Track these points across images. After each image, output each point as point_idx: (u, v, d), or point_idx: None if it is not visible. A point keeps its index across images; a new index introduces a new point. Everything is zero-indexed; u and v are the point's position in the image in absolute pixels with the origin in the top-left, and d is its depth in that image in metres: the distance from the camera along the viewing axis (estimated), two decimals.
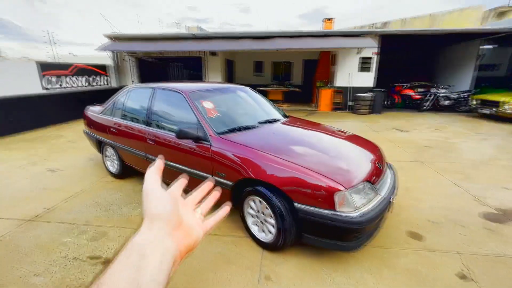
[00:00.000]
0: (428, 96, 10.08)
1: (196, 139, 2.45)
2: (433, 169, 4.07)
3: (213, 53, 10.47)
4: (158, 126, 2.93)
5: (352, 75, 9.86)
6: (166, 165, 2.08)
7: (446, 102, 9.96)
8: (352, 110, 9.80)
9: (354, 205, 1.85)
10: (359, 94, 9.34)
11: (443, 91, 9.96)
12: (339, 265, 2.08)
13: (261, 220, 2.23)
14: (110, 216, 2.84)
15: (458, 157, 4.68)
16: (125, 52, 10.41)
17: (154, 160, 1.97)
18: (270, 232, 2.16)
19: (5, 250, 2.29)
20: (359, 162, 2.26)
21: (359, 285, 1.89)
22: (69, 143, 5.69)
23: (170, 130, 2.77)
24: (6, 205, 3.06)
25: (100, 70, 9.72)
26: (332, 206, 1.83)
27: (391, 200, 2.13)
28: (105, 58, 10.95)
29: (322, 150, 2.34)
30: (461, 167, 4.13)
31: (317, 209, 1.86)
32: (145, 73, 11.60)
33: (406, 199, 3.13)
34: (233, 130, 2.54)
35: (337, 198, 1.82)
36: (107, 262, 2.10)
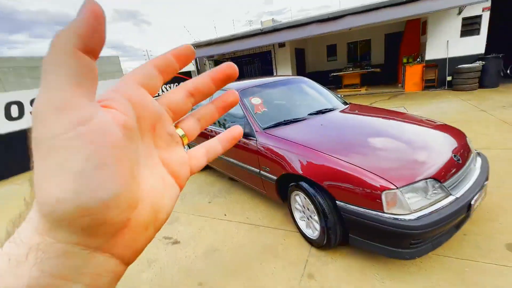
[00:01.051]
0: None
1: (244, 135, 2.57)
2: None
3: (282, 45, 10.43)
4: (216, 124, 3.21)
5: (450, 43, 7.94)
6: (220, 158, 2.27)
7: None
8: (452, 86, 7.94)
9: (409, 207, 1.56)
10: (461, 66, 7.44)
11: None
12: (397, 273, 1.80)
13: (307, 216, 2.16)
14: (184, 204, 3.33)
15: None
16: (204, 57, 11.64)
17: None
18: (316, 229, 2.07)
19: None
20: (422, 154, 1.86)
21: None
22: None
23: (223, 126, 2.99)
24: None
25: (186, 76, 11.22)
26: (379, 207, 1.59)
27: (472, 203, 1.68)
28: (190, 64, 12.57)
29: (373, 140, 2.04)
30: None
31: (361, 209, 1.66)
32: None
33: (508, 200, 2.38)
34: (278, 124, 2.52)
35: (385, 197, 1.57)
36: (176, 242, 2.50)
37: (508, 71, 8.60)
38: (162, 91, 9.82)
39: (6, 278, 0.16)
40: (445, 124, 2.38)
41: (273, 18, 15.20)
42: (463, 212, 1.65)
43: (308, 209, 2.11)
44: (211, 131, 3.34)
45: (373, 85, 10.94)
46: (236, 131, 0.31)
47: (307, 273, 1.93)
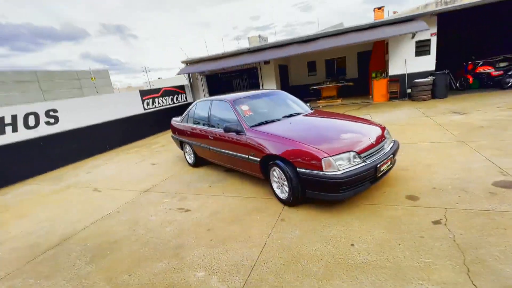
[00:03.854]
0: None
1: (237, 132, 3.58)
2: (471, 148, 4.10)
3: (267, 62, 11.70)
4: (214, 126, 4.22)
5: (408, 61, 9.43)
6: (218, 152, 3.63)
7: None
8: (411, 97, 9.36)
9: (337, 167, 2.60)
10: (417, 80, 8.89)
11: None
12: (336, 214, 2.82)
13: (281, 184, 3.17)
14: (189, 188, 4.25)
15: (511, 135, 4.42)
16: (196, 72, 12.72)
17: (214, 150, 4.06)
18: (286, 192, 3.08)
19: (135, 205, 3.92)
20: (350, 138, 2.94)
21: (346, 226, 2.61)
22: (162, 147, 7.77)
23: (220, 127, 4.00)
24: (131, 184, 4.88)
25: (179, 89, 12.23)
26: (320, 168, 2.63)
27: (377, 166, 2.75)
28: (183, 79, 13.61)
29: (321, 131, 3.12)
30: (505, 145, 4.01)
31: (311, 171, 2.70)
32: (213, 87, 13.77)
33: (423, 173, 3.50)
34: (261, 124, 3.56)
35: (323, 162, 2.62)
36: (188, 210, 3.42)
37: (458, 85, 10.17)
38: (159, 103, 10.75)
39: None
40: (373, 122, 3.49)
41: (259, 35, 16.61)
42: (371, 171, 2.71)
43: (281, 179, 3.11)
44: (206, 131, 4.34)
45: (348, 96, 12.35)
46: None
47: (280, 218, 2.92)
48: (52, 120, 7.00)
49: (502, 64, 9.19)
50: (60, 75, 24.24)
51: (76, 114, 7.61)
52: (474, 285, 1.73)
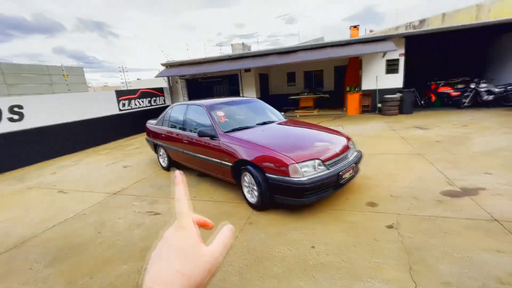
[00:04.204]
0: (468, 92, 9.63)
1: (211, 137, 3.66)
2: (427, 160, 4.49)
3: (247, 70, 11.92)
4: (189, 130, 4.25)
5: (379, 78, 10.10)
6: (192, 156, 3.70)
7: (490, 97, 9.34)
8: (381, 112, 9.99)
9: (303, 174, 2.77)
10: (386, 96, 9.54)
11: (484, 85, 9.40)
12: (301, 219, 2.97)
13: (251, 189, 3.27)
14: (160, 192, 4.22)
15: (462, 150, 4.90)
16: (176, 76, 12.63)
17: (188, 154, 4.09)
18: (255, 196, 3.19)
19: (102, 207, 3.81)
20: (316, 146, 3.14)
21: (310, 230, 2.76)
22: (136, 149, 7.59)
23: (195, 132, 4.06)
24: (100, 186, 4.73)
25: (158, 92, 12.04)
26: (287, 174, 2.78)
27: (340, 173, 2.96)
28: (163, 81, 13.42)
29: (291, 139, 3.30)
30: (455, 158, 4.45)
31: (279, 177, 2.84)
32: (193, 91, 13.71)
33: (384, 181, 3.78)
34: (235, 130, 3.67)
35: (290, 168, 2.77)
36: (157, 214, 3.41)
37: (422, 102, 11.03)
38: (135, 104, 10.51)
39: None
40: (340, 133, 3.74)
41: (243, 42, 16.74)
42: (334, 178, 2.90)
43: (251, 183, 3.22)
44: (181, 135, 4.37)
45: (324, 108, 12.88)
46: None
47: (249, 222, 3.01)
48: (16, 117, 6.59)
49: (459, 86, 10.16)
50: (28, 68, 22.79)
51: (44, 112, 7.23)
52: (413, 281, 1.94)
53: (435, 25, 14.61)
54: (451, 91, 10.10)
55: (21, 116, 6.70)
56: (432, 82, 10.74)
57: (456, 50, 12.11)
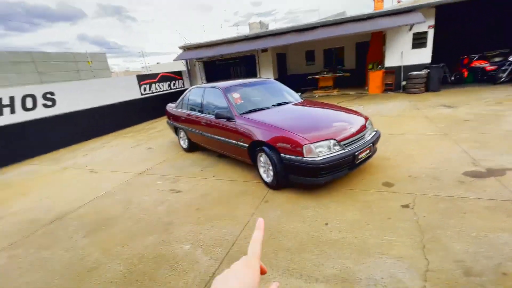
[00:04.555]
0: (507, 65, 8.78)
1: (227, 119, 3.74)
2: (452, 140, 4.29)
3: (264, 50, 11.66)
4: (207, 112, 4.36)
5: (404, 54, 9.47)
6: (210, 137, 3.86)
7: None
8: (405, 90, 9.47)
9: (317, 154, 2.79)
10: (411, 73, 8.97)
11: None
12: (315, 197, 3.03)
13: (267, 169, 3.36)
14: (182, 172, 4.45)
15: (493, 129, 4.60)
16: (194, 58, 12.67)
17: (206, 136, 4.26)
18: (271, 176, 3.28)
19: (129, 186, 4.12)
20: (332, 127, 3.11)
21: (324, 208, 2.82)
22: (158, 132, 7.92)
23: (213, 114, 4.15)
24: (126, 166, 5.07)
25: (177, 75, 12.22)
26: (302, 154, 2.82)
27: (356, 153, 2.94)
28: (181, 64, 13.56)
29: (306, 120, 3.29)
30: (484, 138, 4.20)
31: (293, 157, 2.88)
32: (211, 74, 13.75)
33: (403, 162, 3.69)
34: (250, 111, 3.72)
35: (304, 149, 2.80)
36: (179, 192, 3.62)
37: (453, 78, 10.26)
38: (156, 88, 10.80)
39: None
40: (356, 111, 3.66)
41: (260, 21, 16.11)
42: (350, 158, 2.90)
43: (267, 164, 3.30)
44: (199, 117, 4.49)
45: (344, 87, 12.42)
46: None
47: (265, 200, 3.13)
48: (49, 103, 7.09)
49: (497, 59, 9.27)
50: (56, 57, 23.90)
51: (73, 98, 7.69)
52: (426, 258, 1.96)
53: None
54: (487, 65, 9.27)
55: (54, 102, 7.19)
56: (465, 56, 9.89)
57: (494, 18, 10.92)
